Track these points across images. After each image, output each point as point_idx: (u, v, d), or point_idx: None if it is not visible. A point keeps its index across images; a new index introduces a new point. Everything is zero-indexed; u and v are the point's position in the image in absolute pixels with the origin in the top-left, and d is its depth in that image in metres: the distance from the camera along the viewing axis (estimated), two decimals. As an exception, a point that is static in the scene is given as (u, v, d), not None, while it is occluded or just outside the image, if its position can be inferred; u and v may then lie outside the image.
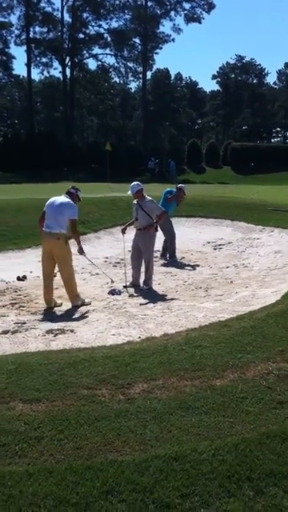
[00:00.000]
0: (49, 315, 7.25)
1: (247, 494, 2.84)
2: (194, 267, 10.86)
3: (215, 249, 13.08)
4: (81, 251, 7.98)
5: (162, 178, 36.43)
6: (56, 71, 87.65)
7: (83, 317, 7.13)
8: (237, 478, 2.96)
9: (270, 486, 2.92)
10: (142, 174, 40.20)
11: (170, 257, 11.75)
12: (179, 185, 12.47)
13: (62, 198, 7.69)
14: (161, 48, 65.76)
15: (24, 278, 9.38)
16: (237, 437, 3.39)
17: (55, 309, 7.57)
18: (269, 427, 3.52)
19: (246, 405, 3.84)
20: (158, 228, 9.51)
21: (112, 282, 8.74)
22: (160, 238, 10.97)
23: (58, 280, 8.09)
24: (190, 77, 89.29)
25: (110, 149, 36.13)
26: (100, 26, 63.01)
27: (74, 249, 7.94)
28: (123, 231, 9.41)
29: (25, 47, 60.21)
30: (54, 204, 7.62)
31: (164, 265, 11.18)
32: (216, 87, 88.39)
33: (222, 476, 2.98)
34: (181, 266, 11.09)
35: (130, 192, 9.01)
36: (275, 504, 2.78)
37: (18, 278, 9.28)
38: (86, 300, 7.85)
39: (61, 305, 7.75)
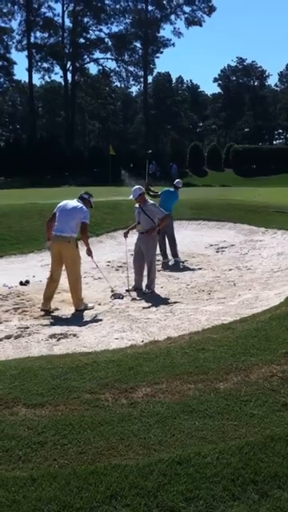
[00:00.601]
0: (51, 320, 7.24)
1: (252, 497, 2.83)
2: (196, 270, 10.84)
3: (218, 251, 13.06)
4: (89, 252, 7.98)
5: (163, 182, 36.38)
6: (57, 76, 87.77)
7: (86, 321, 7.12)
8: (241, 482, 2.95)
9: (274, 489, 2.90)
10: (144, 178, 40.22)
11: (174, 255, 11.73)
12: (175, 181, 12.49)
13: (75, 203, 7.77)
14: (161, 52, 65.90)
15: (27, 282, 9.38)
16: (241, 440, 3.38)
17: (57, 313, 7.56)
18: (273, 430, 3.51)
19: (250, 408, 3.82)
20: (161, 231, 9.50)
21: (112, 290, 8.68)
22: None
23: (60, 285, 8.10)
24: (191, 80, 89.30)
25: (113, 153, 36.22)
26: (101, 30, 63.27)
27: (82, 253, 7.98)
28: (125, 235, 9.42)
29: (26, 52, 60.45)
30: (66, 207, 7.69)
31: (166, 268, 11.17)
32: (217, 90, 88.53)
33: (227, 479, 2.96)
34: (183, 269, 11.08)
35: (131, 196, 9.01)
36: (280, 507, 2.77)
37: (21, 283, 9.28)
38: (89, 304, 7.86)
39: (54, 310, 7.75)
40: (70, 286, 7.75)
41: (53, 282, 7.74)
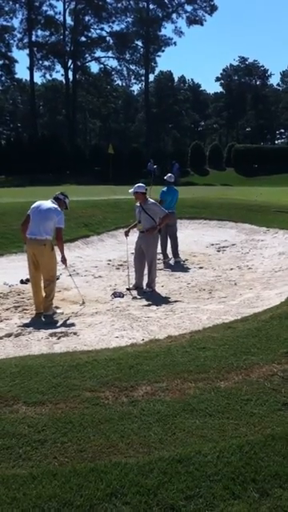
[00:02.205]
0: (56, 316, 7.24)
1: (252, 496, 2.82)
2: (197, 269, 10.84)
3: (219, 251, 13.06)
4: (63, 260, 7.62)
5: (164, 181, 36.37)
6: (58, 74, 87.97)
7: (86, 320, 7.12)
8: (241, 480, 2.94)
9: (275, 488, 2.90)
10: (145, 177, 40.18)
11: (175, 256, 11.71)
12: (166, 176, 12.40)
13: (49, 204, 7.38)
14: (163, 51, 65.98)
15: (27, 281, 9.33)
16: (241, 439, 3.38)
17: (58, 312, 7.54)
18: (274, 429, 3.50)
19: (251, 407, 3.82)
20: (161, 230, 9.49)
21: (83, 303, 8.01)
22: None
23: (59, 283, 8.10)
24: (192, 79, 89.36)
25: (112, 152, 36.17)
26: (102, 29, 63.45)
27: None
28: (126, 234, 9.41)
29: (27, 51, 60.61)
30: (39, 209, 7.30)
31: (167, 267, 11.16)
32: (219, 89, 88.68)
33: (227, 478, 2.96)
34: (184, 268, 11.08)
35: (131, 190, 8.98)
36: (280, 506, 2.76)
37: (22, 281, 9.27)
38: (58, 310, 7.53)
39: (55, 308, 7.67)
40: (44, 287, 7.38)
41: (36, 287, 7.43)
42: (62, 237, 7.39)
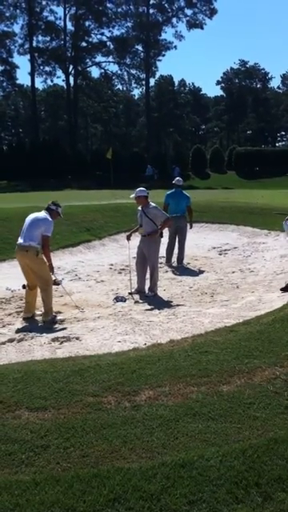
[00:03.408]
0: (56, 322, 7.24)
1: (255, 500, 2.82)
2: (199, 273, 10.84)
3: (221, 254, 13.05)
4: (50, 268, 7.48)
5: (166, 184, 36.40)
6: (59, 80, 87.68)
7: (88, 324, 7.11)
8: (244, 484, 2.94)
9: (278, 492, 2.89)
10: (146, 181, 40.24)
11: (180, 262, 11.71)
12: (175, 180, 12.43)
13: (40, 213, 7.50)
14: (163, 55, 65.90)
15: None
16: (244, 443, 3.37)
17: (59, 316, 7.53)
18: (276, 432, 3.50)
19: (254, 410, 3.82)
20: (163, 234, 9.49)
21: (82, 310, 7.92)
22: (164, 244, 10.96)
23: (62, 288, 8.10)
24: (193, 83, 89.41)
25: (110, 157, 36.18)
26: (102, 33, 63.32)
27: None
28: (128, 238, 9.42)
29: (28, 56, 60.56)
30: (29, 219, 7.47)
31: (169, 271, 11.16)
32: (220, 92, 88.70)
33: (230, 482, 2.95)
34: (186, 271, 11.07)
35: (133, 195, 9.04)
36: (284, 510, 2.76)
37: (24, 287, 9.24)
38: (58, 317, 7.49)
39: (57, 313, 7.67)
40: (40, 293, 7.45)
41: (30, 290, 7.52)
42: (48, 245, 7.40)
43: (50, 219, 7.41)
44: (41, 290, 7.43)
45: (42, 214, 7.49)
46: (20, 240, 7.36)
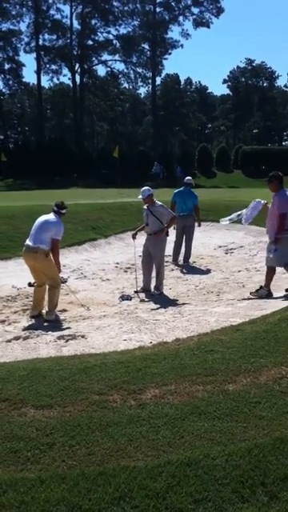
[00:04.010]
0: (60, 321, 7.25)
1: (261, 500, 2.81)
2: (205, 271, 10.82)
3: (227, 253, 13.03)
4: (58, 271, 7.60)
5: (171, 183, 36.34)
6: (65, 78, 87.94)
7: (94, 322, 7.12)
8: (250, 484, 2.93)
9: (284, 491, 2.88)
10: (152, 179, 40.22)
11: (186, 260, 11.70)
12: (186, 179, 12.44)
13: (49, 216, 7.51)
14: (170, 53, 65.79)
15: (35, 284, 9.37)
16: (250, 442, 3.36)
17: (65, 314, 7.54)
18: (282, 432, 3.48)
19: (259, 409, 3.80)
20: (169, 233, 9.48)
21: (88, 308, 7.98)
22: (170, 243, 10.95)
23: (67, 287, 8.11)
24: (199, 81, 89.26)
25: (116, 155, 36.19)
26: (109, 32, 63.20)
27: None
28: (134, 236, 9.41)
29: (34, 55, 60.55)
30: (39, 221, 7.50)
31: (175, 269, 11.15)
32: (226, 91, 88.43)
33: (236, 481, 2.94)
34: (192, 270, 11.06)
35: (140, 196, 9.03)
36: (290, 510, 2.75)
37: (29, 284, 9.24)
38: (63, 316, 7.57)
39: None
40: (48, 290, 7.52)
41: (38, 287, 7.57)
42: (57, 249, 7.44)
43: (60, 223, 7.44)
44: (49, 289, 7.45)
45: (53, 216, 7.48)
46: (29, 242, 7.36)
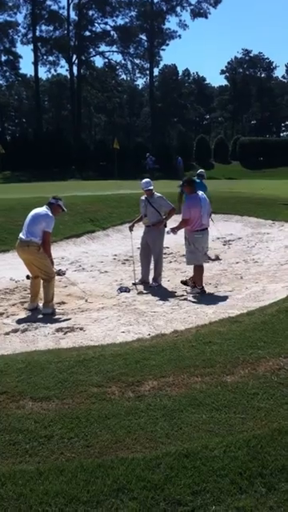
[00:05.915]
0: (58, 313, 7.25)
1: (259, 491, 2.82)
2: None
3: (225, 244, 13.03)
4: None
5: (170, 175, 36.20)
6: (63, 69, 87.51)
7: (92, 315, 7.12)
8: (248, 475, 2.94)
9: (282, 482, 2.89)
10: (147, 172, 40.11)
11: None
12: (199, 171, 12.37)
13: (41, 209, 7.49)
14: (167, 44, 65.51)
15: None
16: (248, 433, 3.37)
17: (63, 307, 7.54)
18: (280, 423, 3.49)
19: (258, 401, 3.81)
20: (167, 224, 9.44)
21: (86, 300, 7.94)
22: (171, 237, 10.93)
23: (66, 278, 8.09)
24: (197, 72, 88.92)
25: (117, 147, 36.12)
26: (106, 23, 62.82)
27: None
28: (131, 228, 9.36)
29: (31, 46, 60.23)
30: (30, 215, 7.49)
31: (173, 261, 11.13)
32: (224, 82, 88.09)
33: (234, 472, 2.95)
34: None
35: (143, 186, 8.94)
36: (287, 500, 2.75)
37: (28, 277, 9.24)
38: (58, 310, 7.52)
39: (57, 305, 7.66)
40: (42, 285, 7.49)
41: (34, 279, 7.55)
42: (48, 241, 7.40)
43: (50, 215, 7.41)
44: (43, 282, 7.45)
45: (43, 209, 7.48)
46: (21, 235, 7.39)
